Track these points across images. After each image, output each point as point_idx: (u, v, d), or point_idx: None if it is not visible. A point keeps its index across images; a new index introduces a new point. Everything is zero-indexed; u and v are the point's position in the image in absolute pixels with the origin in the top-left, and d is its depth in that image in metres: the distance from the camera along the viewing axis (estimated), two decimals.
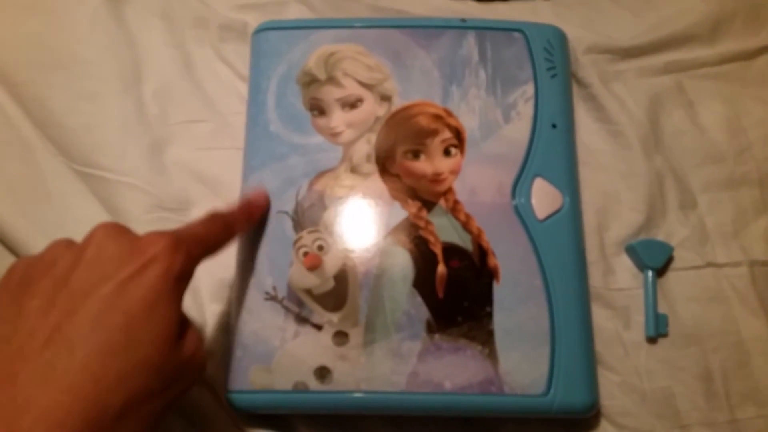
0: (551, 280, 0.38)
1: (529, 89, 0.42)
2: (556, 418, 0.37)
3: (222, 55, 0.46)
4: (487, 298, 0.38)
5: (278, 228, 0.39)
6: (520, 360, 0.37)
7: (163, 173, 0.43)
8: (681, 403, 0.39)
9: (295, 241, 0.39)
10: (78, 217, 0.42)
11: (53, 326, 0.26)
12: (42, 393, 0.25)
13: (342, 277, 0.38)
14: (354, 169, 0.41)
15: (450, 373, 0.36)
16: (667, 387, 0.39)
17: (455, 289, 0.38)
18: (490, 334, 0.37)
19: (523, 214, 0.40)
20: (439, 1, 0.48)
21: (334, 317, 0.38)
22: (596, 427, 0.39)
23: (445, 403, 0.36)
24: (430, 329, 0.37)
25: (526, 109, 0.42)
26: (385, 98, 0.42)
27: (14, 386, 0.25)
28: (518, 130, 0.41)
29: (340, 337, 0.37)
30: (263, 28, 0.44)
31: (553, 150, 0.41)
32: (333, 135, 0.41)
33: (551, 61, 0.43)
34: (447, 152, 0.41)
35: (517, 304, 0.38)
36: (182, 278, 0.29)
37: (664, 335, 0.40)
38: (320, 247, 0.39)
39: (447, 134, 0.41)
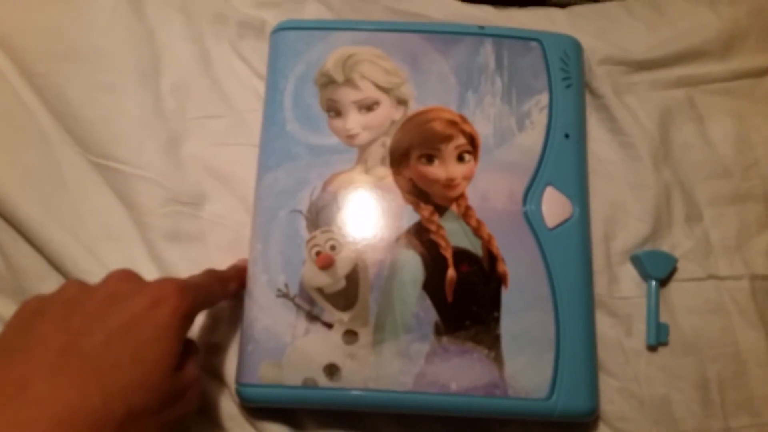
0: (558, 287, 0.39)
1: (544, 99, 0.43)
2: (557, 422, 0.38)
3: (239, 52, 0.47)
4: (495, 303, 0.39)
5: (292, 227, 0.40)
6: (525, 364, 0.38)
7: (179, 168, 0.43)
8: (678, 410, 0.40)
9: (308, 240, 0.40)
10: (93, 209, 0.42)
11: (67, 340, 0.29)
12: (52, 392, 0.27)
13: (353, 277, 0.39)
14: (368, 172, 0.41)
15: (456, 374, 0.37)
16: (665, 394, 0.40)
17: (464, 294, 0.39)
18: (497, 338, 0.38)
19: (533, 221, 0.40)
20: (457, 6, 0.48)
21: (345, 316, 0.38)
22: (595, 431, 0.40)
23: (451, 403, 0.37)
24: (439, 331, 0.38)
25: (540, 118, 0.42)
26: (402, 102, 0.42)
27: (26, 387, 0.27)
28: (531, 138, 0.42)
29: (350, 335, 0.38)
30: (282, 28, 0.44)
31: (565, 160, 0.42)
32: (349, 137, 0.42)
33: (567, 72, 0.43)
34: (461, 158, 0.41)
35: (524, 310, 0.39)
36: (187, 318, 0.32)
37: (665, 344, 0.41)
38: (333, 247, 0.39)
39: (461, 140, 0.41)
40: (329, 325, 0.38)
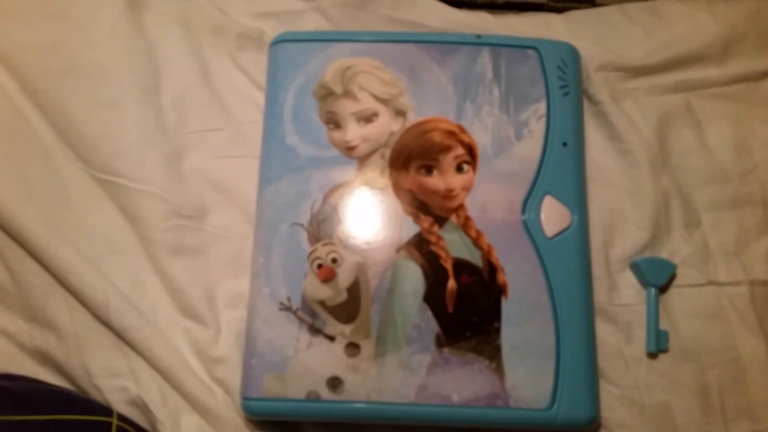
0: (558, 297, 0.39)
1: (542, 107, 0.43)
2: (558, 431, 0.38)
3: (239, 64, 0.47)
4: (495, 314, 0.39)
5: (293, 240, 0.40)
6: (525, 375, 0.38)
7: (181, 181, 0.44)
8: (678, 417, 0.40)
9: (310, 253, 0.40)
10: (97, 224, 0.43)
11: None
12: None
13: (355, 290, 0.39)
14: (368, 183, 0.41)
15: (458, 386, 0.38)
16: (665, 401, 0.40)
17: (465, 305, 0.39)
18: (498, 348, 0.38)
19: (532, 231, 0.40)
20: (454, 14, 0.48)
21: (347, 329, 0.39)
22: None
23: (453, 415, 0.38)
24: (440, 343, 0.38)
25: (538, 127, 0.42)
26: (400, 113, 0.43)
27: None
28: (530, 147, 0.42)
29: (352, 348, 0.38)
30: (280, 40, 0.45)
31: (564, 168, 0.42)
32: (348, 149, 0.42)
33: (564, 79, 0.43)
34: (459, 168, 0.41)
35: (524, 320, 0.39)
36: None
37: (665, 351, 0.41)
38: (334, 260, 0.40)
39: (460, 150, 0.42)
40: (331, 338, 0.38)
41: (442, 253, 0.40)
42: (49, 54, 0.45)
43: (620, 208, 0.44)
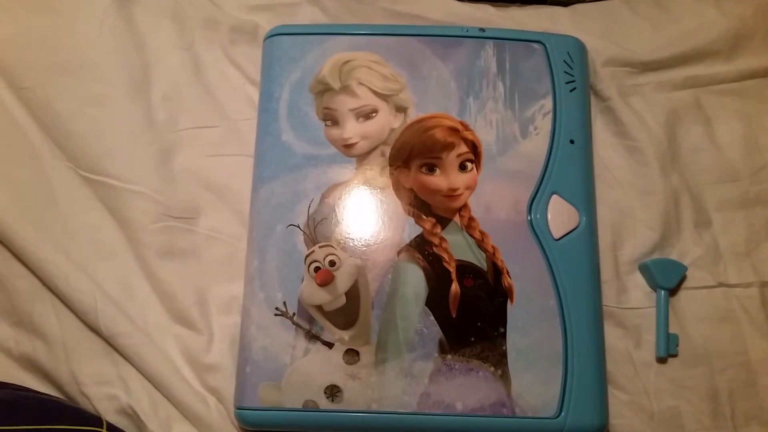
0: (565, 300, 0.38)
1: (548, 103, 0.41)
2: None
3: (232, 58, 0.45)
4: (500, 319, 0.38)
5: (289, 242, 0.39)
6: (532, 382, 0.37)
7: (172, 181, 0.42)
8: (687, 423, 0.39)
9: (307, 256, 0.38)
10: (85, 226, 0.41)
11: None
12: None
13: (354, 294, 0.38)
14: (367, 183, 0.40)
15: (462, 394, 0.36)
16: (674, 406, 0.39)
17: (469, 309, 0.38)
18: (503, 355, 0.37)
19: (538, 232, 0.39)
20: (456, 6, 0.47)
21: (345, 335, 0.37)
22: None
23: (456, 424, 0.36)
24: (443, 349, 0.37)
25: (544, 124, 0.41)
26: (401, 109, 0.41)
27: None
28: (536, 145, 0.41)
29: (351, 355, 0.37)
30: (275, 33, 0.43)
31: (571, 166, 0.41)
32: (346, 146, 0.40)
33: (571, 75, 0.42)
34: (463, 167, 0.40)
35: (530, 325, 0.37)
36: None
37: (674, 355, 0.40)
38: (332, 263, 0.38)
39: (463, 148, 0.40)
40: (329, 345, 0.37)
41: (445, 256, 0.38)
42: (35, 49, 0.43)
43: (629, 208, 0.43)
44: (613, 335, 0.40)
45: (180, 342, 0.40)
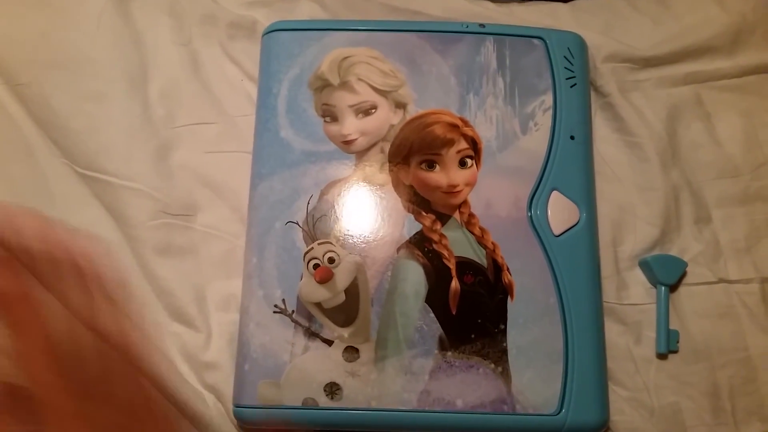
0: (566, 297, 0.38)
1: (548, 99, 0.41)
2: None
3: (230, 54, 0.45)
4: (501, 315, 0.37)
5: (288, 239, 0.38)
6: (533, 378, 0.36)
7: (169, 178, 0.42)
8: (688, 419, 0.39)
9: (306, 253, 0.38)
10: (82, 223, 0.41)
11: None
12: None
13: (353, 291, 0.37)
14: (366, 179, 0.40)
15: (462, 391, 0.36)
16: (675, 402, 0.39)
17: (469, 306, 0.37)
18: (504, 351, 0.37)
19: (539, 228, 0.39)
20: (456, 2, 0.47)
21: (345, 332, 0.37)
22: None
23: (457, 422, 0.36)
24: (443, 346, 0.37)
25: (545, 120, 0.41)
26: (400, 105, 0.41)
27: None
28: (536, 141, 0.40)
29: (351, 352, 0.37)
30: (274, 29, 0.43)
31: (571, 162, 0.40)
32: (346, 143, 0.40)
33: (571, 71, 0.42)
34: (462, 163, 0.40)
35: (531, 322, 0.37)
36: None
37: (675, 351, 0.40)
38: (331, 260, 0.38)
39: (463, 144, 0.40)
40: (329, 342, 0.37)
41: (444, 252, 0.38)
42: (32, 45, 0.43)
43: (629, 204, 0.43)
44: (613, 331, 0.40)
45: (178, 340, 0.39)
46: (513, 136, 0.40)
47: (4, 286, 0.26)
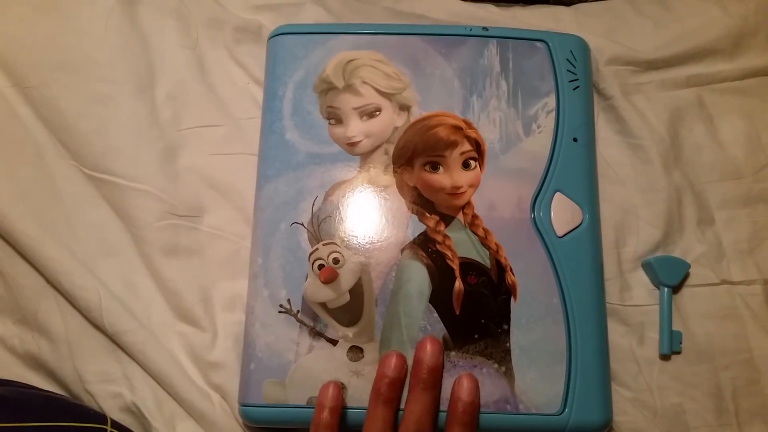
0: (569, 297, 0.38)
1: (551, 101, 0.41)
2: None
3: (236, 57, 0.45)
4: (504, 316, 0.38)
5: (293, 239, 0.39)
6: (536, 378, 0.37)
7: (176, 180, 0.42)
8: (691, 420, 0.39)
9: (310, 254, 0.38)
10: (89, 224, 0.41)
11: None
12: None
13: (357, 292, 0.38)
14: (371, 181, 0.40)
15: None
16: (678, 403, 0.39)
17: (472, 306, 0.38)
18: (507, 351, 0.37)
19: (542, 230, 0.39)
20: (459, 6, 0.47)
21: (349, 332, 0.37)
22: None
23: None
24: (447, 346, 0.37)
25: (548, 122, 0.41)
26: (404, 108, 0.41)
27: None
28: (539, 143, 0.41)
29: (355, 352, 0.37)
30: (279, 33, 0.43)
31: (574, 164, 0.41)
32: (350, 145, 0.41)
33: (574, 73, 0.42)
34: (466, 165, 0.40)
35: (534, 322, 0.37)
36: None
37: (678, 352, 0.40)
38: (336, 260, 0.38)
39: (466, 146, 0.40)
40: (333, 342, 0.37)
41: (448, 253, 0.38)
42: (40, 48, 0.43)
43: (632, 206, 0.43)
44: (616, 332, 0.40)
45: (184, 339, 0.40)
46: (516, 138, 0.41)
47: None
